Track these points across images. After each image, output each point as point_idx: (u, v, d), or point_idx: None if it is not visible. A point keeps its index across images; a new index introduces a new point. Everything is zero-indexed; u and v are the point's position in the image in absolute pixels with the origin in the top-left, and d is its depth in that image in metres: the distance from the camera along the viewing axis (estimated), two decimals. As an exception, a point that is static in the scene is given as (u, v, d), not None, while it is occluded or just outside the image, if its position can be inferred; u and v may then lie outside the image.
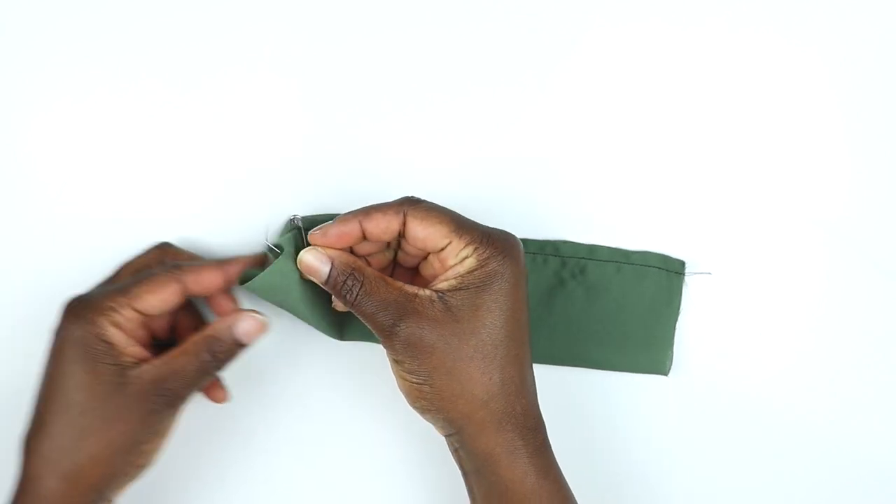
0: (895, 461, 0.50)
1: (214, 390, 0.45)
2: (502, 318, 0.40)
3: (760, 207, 0.49)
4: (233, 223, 0.47)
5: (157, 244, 0.46)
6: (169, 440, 0.41)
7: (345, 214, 0.41)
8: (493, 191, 0.49)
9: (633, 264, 0.48)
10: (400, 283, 0.40)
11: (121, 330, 0.40)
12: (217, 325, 0.41)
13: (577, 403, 0.49)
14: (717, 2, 0.49)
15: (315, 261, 0.41)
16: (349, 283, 0.40)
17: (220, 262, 0.43)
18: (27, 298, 0.46)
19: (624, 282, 0.48)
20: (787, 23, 0.49)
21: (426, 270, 0.44)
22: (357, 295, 0.40)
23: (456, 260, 0.40)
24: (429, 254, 0.42)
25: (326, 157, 0.48)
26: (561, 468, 0.42)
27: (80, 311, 0.40)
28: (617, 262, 0.49)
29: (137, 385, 0.39)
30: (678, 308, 0.49)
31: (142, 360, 0.40)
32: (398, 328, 0.39)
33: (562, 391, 0.49)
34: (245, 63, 0.47)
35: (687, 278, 0.49)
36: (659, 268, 0.49)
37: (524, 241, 0.48)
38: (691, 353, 0.49)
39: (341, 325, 0.47)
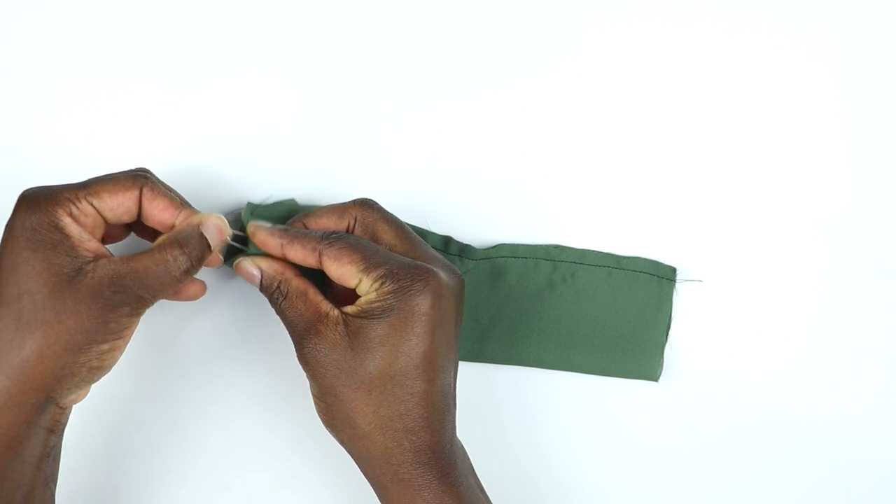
0: (895, 463, 0.49)
1: (188, 288, 0.44)
2: (395, 353, 0.39)
3: (755, 213, 0.49)
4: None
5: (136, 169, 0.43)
6: (126, 343, 0.40)
7: (277, 228, 0.43)
8: (485, 194, 0.49)
9: (623, 269, 0.49)
10: (319, 299, 0.41)
11: (77, 223, 0.38)
12: (185, 226, 0.40)
13: (566, 408, 0.49)
14: (715, 3, 0.49)
15: (248, 267, 0.42)
16: (275, 294, 0.41)
17: (183, 204, 0.42)
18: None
19: (614, 287, 0.48)
20: (785, 24, 0.49)
21: None
22: (280, 305, 0.41)
23: (364, 294, 0.40)
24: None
25: (324, 153, 0.48)
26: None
27: (34, 200, 0.38)
28: (608, 266, 0.49)
29: (92, 279, 0.37)
30: (669, 314, 0.49)
31: (100, 256, 0.38)
32: (303, 343, 0.40)
33: (551, 395, 0.49)
34: (245, 63, 0.48)
35: (678, 285, 0.49)
36: (650, 273, 0.49)
37: (516, 245, 0.48)
38: (683, 360, 0.49)
39: None
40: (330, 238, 0.41)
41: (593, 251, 0.49)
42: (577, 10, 0.49)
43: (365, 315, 0.40)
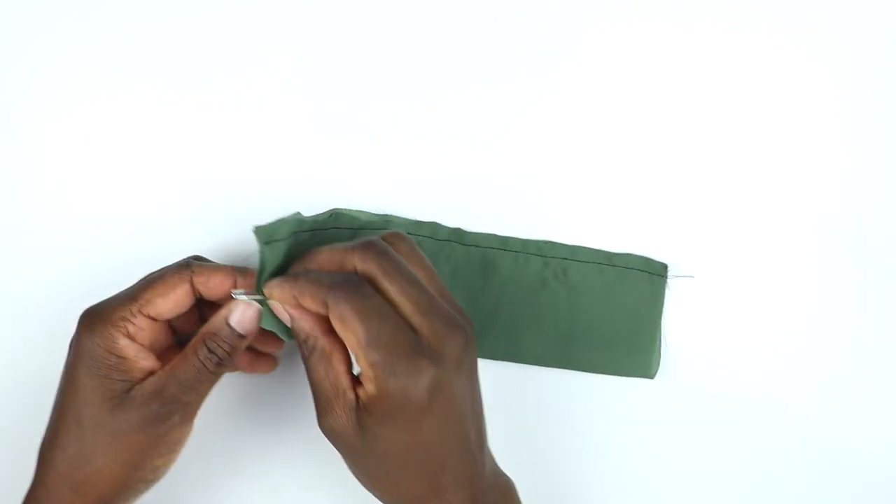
0: (891, 464, 0.50)
1: (257, 363, 0.45)
2: (404, 455, 0.38)
3: (746, 209, 0.49)
4: (236, 222, 0.48)
5: (187, 258, 0.43)
6: (179, 454, 0.41)
7: (287, 276, 0.39)
8: (476, 189, 0.49)
9: (615, 266, 0.49)
10: (342, 370, 0.38)
11: (134, 341, 0.39)
12: (212, 321, 0.40)
13: (562, 405, 0.50)
14: (715, 3, 0.49)
15: (279, 310, 0.39)
16: (303, 348, 0.39)
17: (234, 269, 0.41)
18: (20, 294, 0.48)
19: (606, 284, 0.49)
20: (785, 24, 0.49)
21: None
22: (305, 361, 0.39)
23: (363, 379, 0.37)
24: None
25: (324, 152, 0.49)
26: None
27: (93, 323, 0.39)
28: (599, 263, 0.49)
29: (140, 397, 0.38)
30: (661, 311, 0.49)
31: (152, 372, 0.40)
32: (319, 415, 0.38)
33: (547, 392, 0.50)
34: (246, 63, 0.48)
35: (670, 281, 0.49)
36: (641, 270, 0.49)
37: (507, 238, 0.48)
38: (678, 357, 0.50)
39: None
40: (335, 288, 0.37)
41: (585, 247, 0.49)
42: (577, 10, 0.48)
43: (368, 411, 0.37)
